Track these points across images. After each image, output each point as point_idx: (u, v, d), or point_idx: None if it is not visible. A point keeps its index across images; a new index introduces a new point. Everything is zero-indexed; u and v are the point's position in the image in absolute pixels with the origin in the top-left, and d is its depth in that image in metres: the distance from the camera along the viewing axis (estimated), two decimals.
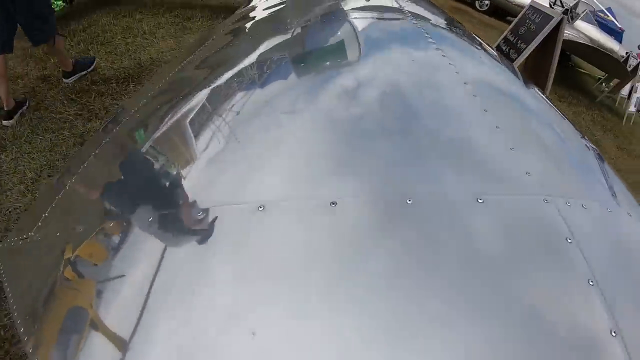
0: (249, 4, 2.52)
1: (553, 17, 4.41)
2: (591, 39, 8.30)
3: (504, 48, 5.07)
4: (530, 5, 4.92)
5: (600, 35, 9.05)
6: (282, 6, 2.17)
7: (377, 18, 1.96)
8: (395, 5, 2.00)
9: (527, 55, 4.53)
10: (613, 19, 15.80)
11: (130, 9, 5.27)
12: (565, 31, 5.05)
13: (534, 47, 4.49)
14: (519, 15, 5.05)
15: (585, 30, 8.66)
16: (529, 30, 4.69)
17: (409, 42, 1.61)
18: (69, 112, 3.22)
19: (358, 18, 1.85)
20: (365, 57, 1.45)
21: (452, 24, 2.02)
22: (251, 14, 2.24)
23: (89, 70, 3.69)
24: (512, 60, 4.66)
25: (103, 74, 3.78)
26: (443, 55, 1.39)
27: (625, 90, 8.79)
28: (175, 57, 2.44)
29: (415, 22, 1.77)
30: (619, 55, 8.70)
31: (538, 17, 4.66)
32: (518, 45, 4.76)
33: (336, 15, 1.92)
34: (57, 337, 0.88)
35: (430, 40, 1.52)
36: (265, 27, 2.02)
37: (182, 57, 1.81)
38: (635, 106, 8.25)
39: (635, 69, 8.23)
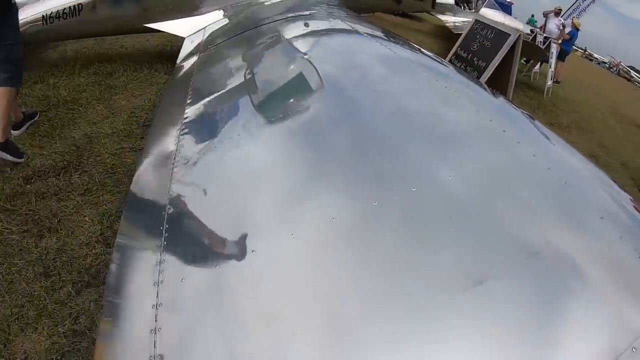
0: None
1: (509, 35, 4.42)
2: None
3: (456, 63, 5.03)
4: (477, 21, 4.91)
5: (506, 18, 9.60)
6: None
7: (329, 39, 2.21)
8: (347, 27, 2.23)
9: (490, 73, 4.50)
10: None
11: (41, 72, 4.43)
12: None
13: (495, 65, 4.47)
14: (466, 31, 5.02)
15: (493, 17, 9.08)
16: (484, 47, 4.68)
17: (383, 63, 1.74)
18: (10, 229, 2.44)
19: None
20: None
21: (406, 43, 2.17)
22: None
23: (36, 118, 3.42)
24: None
25: (34, 165, 2.95)
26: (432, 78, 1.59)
27: (537, 67, 9.49)
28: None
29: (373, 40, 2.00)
30: (525, 34, 9.30)
31: (490, 33, 4.66)
32: (475, 62, 4.74)
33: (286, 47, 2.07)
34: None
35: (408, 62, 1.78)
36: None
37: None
38: (551, 79, 8.96)
39: (547, 46, 8.84)
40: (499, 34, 4.54)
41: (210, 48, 2.90)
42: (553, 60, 9.38)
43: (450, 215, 0.91)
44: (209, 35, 3.33)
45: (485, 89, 1.77)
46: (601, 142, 7.51)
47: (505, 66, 4.55)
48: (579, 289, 0.77)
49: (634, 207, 0.99)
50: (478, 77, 4.60)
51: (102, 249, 2.39)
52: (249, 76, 1.84)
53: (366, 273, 0.84)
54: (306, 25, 2.49)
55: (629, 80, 34.15)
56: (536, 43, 9.06)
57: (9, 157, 2.87)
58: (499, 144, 1.16)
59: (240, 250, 0.98)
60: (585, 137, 7.43)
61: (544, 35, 10.38)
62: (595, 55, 45.02)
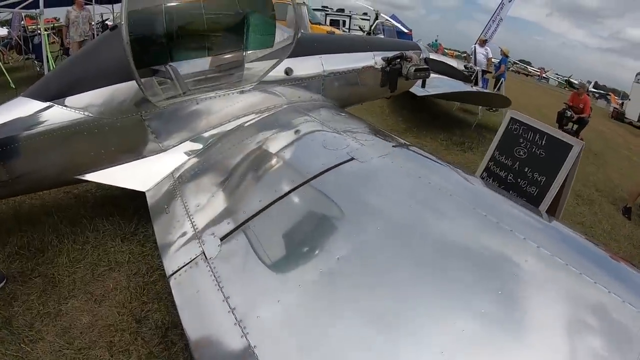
0: None
1: (572, 146, 3.67)
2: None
3: (496, 171, 4.22)
4: (514, 119, 4.13)
5: (453, 61, 9.23)
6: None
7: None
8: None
9: (555, 192, 3.72)
10: (396, 23, 17.18)
11: None
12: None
13: (561, 184, 3.70)
14: (502, 130, 4.21)
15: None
16: (536, 156, 3.90)
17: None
18: None
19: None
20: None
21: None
22: None
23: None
24: (514, 188, 3.95)
25: None
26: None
27: None
28: None
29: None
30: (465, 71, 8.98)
31: (540, 139, 3.89)
32: (527, 173, 3.94)
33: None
34: None
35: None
36: None
37: None
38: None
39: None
40: (556, 143, 3.76)
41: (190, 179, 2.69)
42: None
43: None
44: (180, 177, 2.75)
45: (534, 212, 1.92)
46: None
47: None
48: None
49: None
50: (538, 195, 3.81)
51: None
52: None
53: None
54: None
55: (527, 75, 37.26)
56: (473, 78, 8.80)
57: None
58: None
59: None
60: None
61: (477, 68, 10.29)
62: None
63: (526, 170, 3.94)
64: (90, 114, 2.78)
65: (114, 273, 3.00)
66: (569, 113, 9.81)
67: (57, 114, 2.74)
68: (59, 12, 9.55)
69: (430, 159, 2.42)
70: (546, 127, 3.97)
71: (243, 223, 2.01)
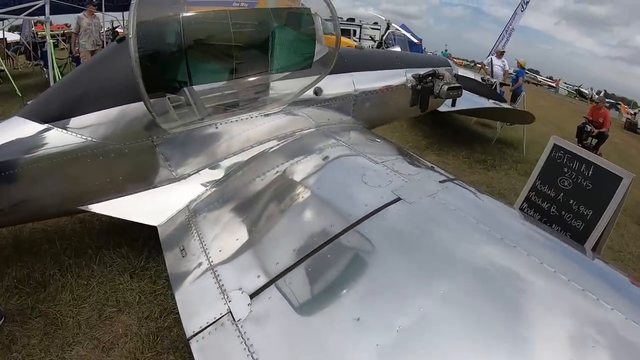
0: None
1: (622, 178, 3.35)
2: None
3: (537, 202, 3.89)
4: (558, 146, 3.81)
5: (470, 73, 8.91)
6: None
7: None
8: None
9: (603, 228, 3.40)
10: (407, 33, 16.93)
11: None
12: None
13: (609, 219, 3.38)
14: (545, 157, 3.89)
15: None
16: (582, 188, 3.58)
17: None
18: None
19: None
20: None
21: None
22: None
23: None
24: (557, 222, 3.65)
25: None
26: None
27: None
28: None
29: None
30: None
31: (587, 170, 3.57)
32: (572, 205, 3.62)
33: None
34: None
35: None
36: None
37: None
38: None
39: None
40: (603, 174, 3.45)
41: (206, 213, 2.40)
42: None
43: None
44: (197, 211, 2.46)
45: (579, 251, 1.90)
46: None
47: None
48: None
49: None
50: (584, 230, 3.48)
51: None
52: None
53: None
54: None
55: (537, 84, 36.77)
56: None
57: None
58: None
59: None
60: None
61: (495, 80, 9.98)
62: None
63: (571, 202, 3.63)
64: (93, 139, 2.47)
65: (123, 315, 2.69)
66: (588, 127, 9.47)
67: (56, 138, 2.45)
68: (70, 19, 9.25)
69: (476, 195, 2.23)
70: (593, 156, 3.67)
71: (277, 277, 1.73)
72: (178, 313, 1.78)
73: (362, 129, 3.30)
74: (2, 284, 2.87)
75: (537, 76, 42.01)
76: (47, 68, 8.52)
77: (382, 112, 3.85)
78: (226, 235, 2.16)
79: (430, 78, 3.98)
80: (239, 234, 2.12)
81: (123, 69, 2.43)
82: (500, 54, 11.63)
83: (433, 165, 2.48)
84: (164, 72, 2.61)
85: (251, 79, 3.08)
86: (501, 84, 10.23)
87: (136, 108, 2.50)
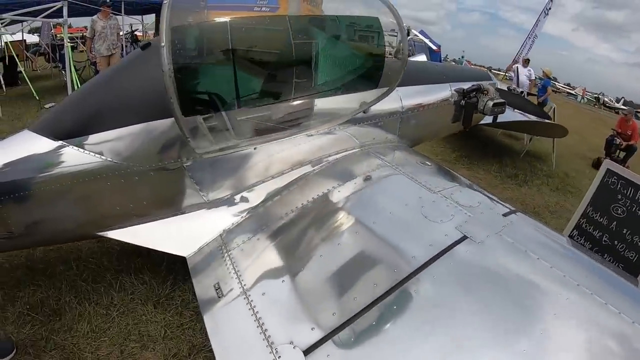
0: None
1: None
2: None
3: (589, 230, 3.59)
4: (610, 171, 3.51)
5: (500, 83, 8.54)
6: None
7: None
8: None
9: None
10: (425, 39, 16.61)
11: None
12: None
13: None
14: (597, 183, 3.58)
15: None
16: (636, 217, 3.29)
17: None
18: None
19: None
20: None
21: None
22: None
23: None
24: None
25: None
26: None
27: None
28: None
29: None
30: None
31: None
32: (626, 236, 3.33)
33: None
34: None
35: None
36: None
37: None
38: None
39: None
40: None
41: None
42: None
43: None
44: (232, 243, 2.20)
45: (631, 282, 1.76)
46: None
47: None
48: None
49: None
50: (638, 262, 3.19)
51: None
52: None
53: None
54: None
55: (555, 92, 36.04)
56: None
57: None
58: None
59: None
60: None
61: (521, 90, 9.62)
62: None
63: (625, 232, 3.35)
64: (114, 160, 2.21)
65: (147, 352, 2.44)
66: (617, 140, 9.19)
67: (71, 157, 2.19)
68: (88, 22, 9.01)
69: (539, 229, 2.04)
70: None
71: (335, 331, 1.51)
72: (210, 351, 1.66)
73: (409, 149, 3.03)
74: (13, 310, 2.65)
75: (556, 83, 41.28)
76: (66, 71, 8.39)
77: (425, 130, 3.59)
78: (269, 275, 1.91)
79: (474, 93, 3.71)
80: (285, 275, 1.87)
81: (148, 80, 2.20)
82: (526, 62, 11.29)
83: (491, 195, 2.26)
84: (204, 90, 2.33)
85: (310, 99, 2.75)
86: (528, 94, 9.88)
87: (163, 125, 2.25)
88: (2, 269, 3.01)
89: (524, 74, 10.74)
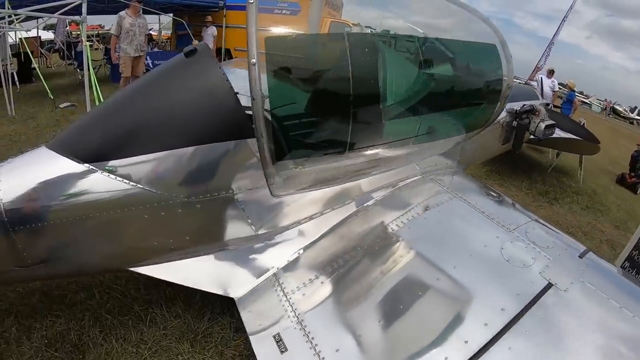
0: None
1: None
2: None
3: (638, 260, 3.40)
4: None
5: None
6: None
7: None
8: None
9: None
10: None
11: None
12: None
13: None
14: None
15: None
16: None
17: None
18: None
19: None
20: None
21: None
22: None
23: None
24: None
25: None
26: None
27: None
28: None
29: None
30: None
31: None
32: None
33: None
34: None
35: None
36: None
37: None
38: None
39: None
40: None
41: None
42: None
43: None
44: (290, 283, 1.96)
45: None
46: None
47: None
48: None
49: None
50: None
51: None
52: None
53: None
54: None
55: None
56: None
57: None
58: None
59: None
60: None
61: (547, 102, 9.31)
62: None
63: None
64: (153, 189, 1.91)
65: None
66: None
67: (99, 184, 1.89)
68: (103, 20, 8.68)
69: (608, 271, 1.92)
70: None
71: None
72: None
73: (470, 177, 2.76)
74: (29, 345, 2.36)
75: (579, 96, 40.68)
76: (80, 69, 8.12)
77: (477, 153, 3.32)
78: (341, 328, 1.67)
79: (526, 114, 3.46)
80: (360, 329, 1.63)
81: (196, 95, 1.91)
82: (550, 73, 10.97)
83: (559, 231, 2.11)
84: (309, 130, 1.98)
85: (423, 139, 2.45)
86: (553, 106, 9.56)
87: (214, 150, 1.97)
88: (16, 294, 2.73)
89: (548, 85, 10.43)
